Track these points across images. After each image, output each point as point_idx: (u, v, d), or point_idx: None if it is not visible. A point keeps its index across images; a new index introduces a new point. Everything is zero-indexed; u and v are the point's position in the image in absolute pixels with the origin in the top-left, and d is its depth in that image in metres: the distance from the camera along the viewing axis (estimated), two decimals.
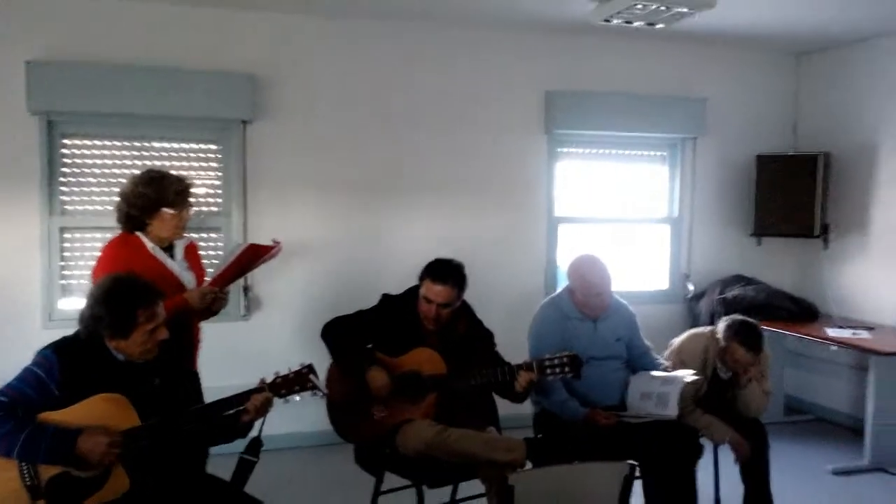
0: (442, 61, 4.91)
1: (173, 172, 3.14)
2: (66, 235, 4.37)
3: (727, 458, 3.49)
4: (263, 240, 4.47)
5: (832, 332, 4.67)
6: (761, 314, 4.98)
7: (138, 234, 3.02)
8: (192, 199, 3.11)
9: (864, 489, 4.23)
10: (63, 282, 4.36)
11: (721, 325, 3.49)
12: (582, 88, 5.14)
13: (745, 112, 5.57)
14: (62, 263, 4.35)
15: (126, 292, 2.38)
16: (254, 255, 3.11)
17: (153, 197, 2.97)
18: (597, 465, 2.24)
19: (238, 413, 2.50)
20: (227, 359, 4.10)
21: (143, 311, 2.37)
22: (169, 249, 3.09)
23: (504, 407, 3.25)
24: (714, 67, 5.48)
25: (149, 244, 3.02)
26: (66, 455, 2.22)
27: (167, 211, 2.98)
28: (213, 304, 3.05)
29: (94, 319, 2.37)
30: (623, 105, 5.18)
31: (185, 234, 3.20)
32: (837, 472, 4.40)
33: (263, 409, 2.51)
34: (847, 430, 5.16)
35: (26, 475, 2.24)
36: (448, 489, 3.42)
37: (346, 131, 4.74)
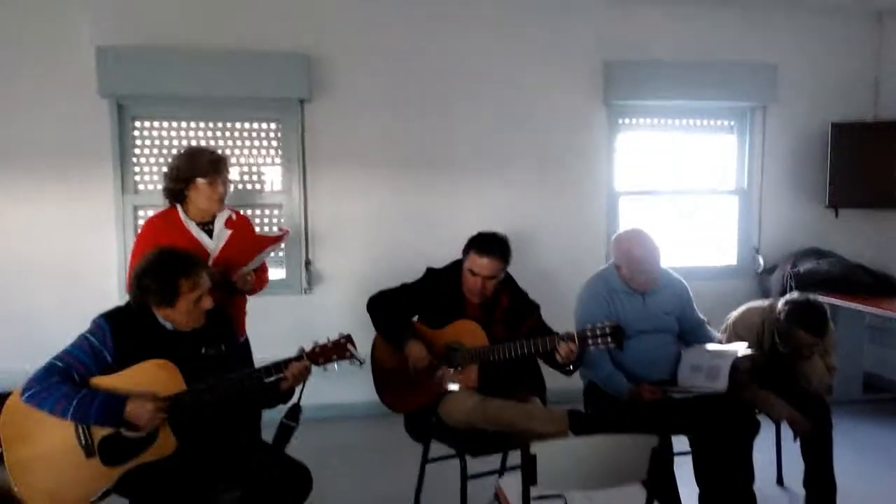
0: (497, 33, 4.87)
1: (212, 148, 3.30)
2: (140, 213, 4.58)
3: (790, 436, 3.37)
4: (317, 216, 4.63)
5: None
6: (837, 288, 4.82)
7: (178, 206, 3.18)
8: (227, 173, 3.21)
9: None
10: None
11: (781, 305, 3.33)
12: (642, 57, 5.00)
13: (818, 78, 5.30)
14: None
15: (169, 262, 2.50)
16: (247, 241, 3.22)
17: (188, 168, 3.11)
18: (625, 438, 2.20)
19: (278, 380, 2.59)
20: (292, 331, 4.25)
21: (186, 281, 2.48)
22: (209, 224, 3.20)
23: (557, 380, 3.22)
24: (784, 31, 5.22)
25: (183, 217, 3.15)
26: (116, 418, 2.37)
27: (201, 181, 3.10)
28: (237, 284, 3.13)
29: (141, 289, 2.50)
30: (687, 73, 5.00)
31: (237, 209, 3.34)
32: None
33: (301, 377, 2.60)
34: None
35: (81, 435, 2.40)
36: (497, 458, 3.46)
37: (400, 108, 4.77)
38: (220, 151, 3.26)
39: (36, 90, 4.34)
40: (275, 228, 4.74)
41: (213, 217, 3.20)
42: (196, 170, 3.10)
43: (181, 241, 3.03)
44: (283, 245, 3.72)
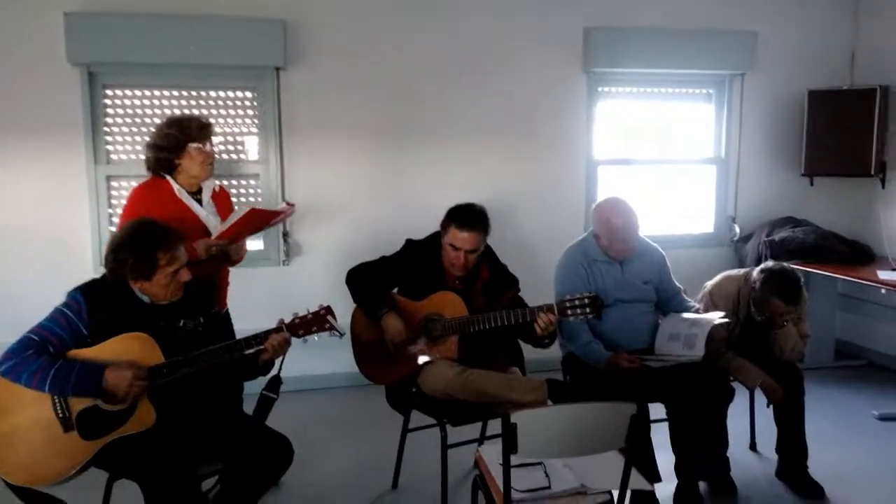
0: (477, 1, 4.80)
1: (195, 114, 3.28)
2: (113, 184, 4.50)
3: (763, 402, 3.43)
4: (295, 187, 4.57)
5: (884, 275, 4.49)
6: (810, 256, 4.88)
7: (167, 177, 3.12)
8: (213, 138, 3.18)
9: None
10: (112, 228, 4.50)
11: (757, 274, 3.37)
12: (622, 24, 4.96)
13: (796, 45, 5.30)
14: (110, 211, 4.50)
15: (147, 235, 2.47)
16: (260, 218, 3.16)
17: (179, 135, 3.07)
18: (604, 405, 2.22)
19: (258, 352, 2.58)
20: (270, 302, 4.19)
21: (164, 254, 2.45)
22: (197, 194, 3.18)
23: (535, 350, 3.22)
24: None
25: (176, 187, 3.11)
26: (94, 387, 2.34)
27: (193, 146, 3.08)
28: (230, 255, 3.13)
29: (118, 263, 2.46)
30: (666, 40, 4.97)
31: (217, 181, 3.30)
32: (883, 418, 4.27)
33: (281, 349, 2.59)
34: None
35: (58, 408, 2.38)
36: (477, 427, 3.49)
37: (378, 76, 4.70)
38: (204, 117, 3.24)
39: (2, 59, 4.21)
40: (251, 199, 4.70)
41: (200, 187, 3.18)
42: (187, 136, 3.07)
43: (176, 213, 3.00)
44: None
